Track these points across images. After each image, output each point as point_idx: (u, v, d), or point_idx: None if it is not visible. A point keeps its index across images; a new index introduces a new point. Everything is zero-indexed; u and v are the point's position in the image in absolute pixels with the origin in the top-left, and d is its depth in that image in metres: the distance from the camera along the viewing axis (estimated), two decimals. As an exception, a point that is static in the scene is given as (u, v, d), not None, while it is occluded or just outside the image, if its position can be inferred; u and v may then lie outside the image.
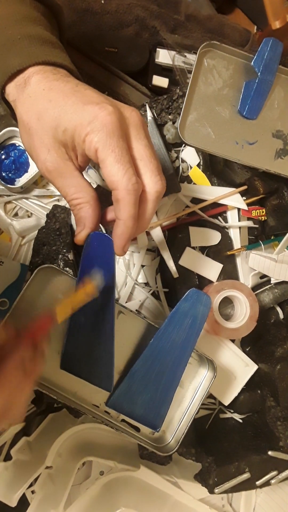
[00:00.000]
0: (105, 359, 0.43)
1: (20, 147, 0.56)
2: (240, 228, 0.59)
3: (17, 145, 0.56)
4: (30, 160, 0.57)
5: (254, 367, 0.56)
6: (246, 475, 0.52)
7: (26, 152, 0.56)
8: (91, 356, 0.43)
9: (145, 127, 0.36)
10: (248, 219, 0.60)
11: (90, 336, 0.43)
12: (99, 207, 0.38)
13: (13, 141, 0.56)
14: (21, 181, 0.56)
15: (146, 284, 0.57)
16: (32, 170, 0.56)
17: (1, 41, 0.37)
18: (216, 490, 0.51)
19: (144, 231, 0.38)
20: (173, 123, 0.58)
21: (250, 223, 0.59)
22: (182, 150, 0.60)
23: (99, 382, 0.45)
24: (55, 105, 0.34)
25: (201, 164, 0.60)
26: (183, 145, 0.60)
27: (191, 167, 0.60)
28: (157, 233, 0.56)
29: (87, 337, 0.43)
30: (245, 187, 0.58)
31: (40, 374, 0.36)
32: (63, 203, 0.57)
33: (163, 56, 0.65)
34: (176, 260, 0.55)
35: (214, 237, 0.57)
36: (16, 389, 0.33)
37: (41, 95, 0.35)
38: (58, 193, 0.58)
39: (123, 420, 0.47)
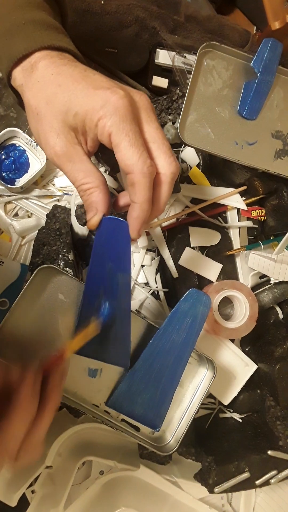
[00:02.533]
0: (121, 338, 0.43)
1: (20, 148, 0.56)
2: (239, 228, 0.59)
3: (17, 145, 0.56)
4: (30, 161, 0.57)
5: (254, 366, 0.56)
6: (245, 475, 0.52)
7: (27, 152, 0.57)
8: (106, 337, 0.43)
9: (154, 110, 0.37)
10: (248, 219, 0.60)
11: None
12: (109, 192, 0.38)
13: (13, 142, 0.56)
14: (21, 181, 0.56)
15: (146, 284, 0.57)
16: (32, 170, 0.56)
17: (5, 26, 0.37)
18: (215, 490, 0.51)
19: (159, 214, 0.39)
20: (173, 123, 0.58)
21: (249, 223, 0.59)
22: (182, 150, 0.60)
23: (115, 360, 0.44)
24: (64, 90, 0.34)
25: (201, 164, 0.60)
26: (183, 145, 0.60)
27: (191, 168, 0.60)
28: (157, 233, 0.56)
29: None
30: (244, 187, 0.58)
31: (57, 407, 0.36)
32: (63, 203, 0.57)
33: (163, 57, 0.65)
34: (176, 260, 0.55)
35: (214, 237, 0.57)
36: (32, 424, 0.33)
37: (50, 80, 0.35)
38: (58, 193, 0.58)
39: (123, 420, 0.47)
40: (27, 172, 0.56)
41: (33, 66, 0.36)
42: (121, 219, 0.38)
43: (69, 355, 0.39)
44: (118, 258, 0.40)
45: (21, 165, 0.56)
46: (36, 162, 0.56)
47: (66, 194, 0.58)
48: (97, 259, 0.40)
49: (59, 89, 0.34)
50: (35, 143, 0.55)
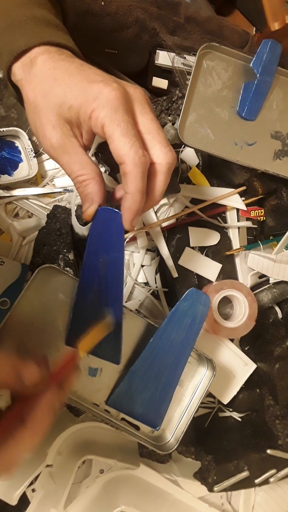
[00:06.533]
0: (113, 332, 0.43)
1: (18, 149, 0.56)
2: (239, 228, 0.59)
3: (16, 145, 0.56)
4: (20, 166, 0.56)
5: (253, 366, 0.56)
6: (245, 474, 0.52)
7: (22, 157, 0.56)
8: None
9: (149, 102, 0.37)
10: (247, 219, 0.60)
11: (97, 311, 0.42)
12: (104, 183, 0.38)
13: (15, 142, 0.57)
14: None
15: (146, 284, 0.57)
16: (17, 176, 0.56)
17: (6, 22, 0.38)
18: (215, 489, 0.52)
19: (155, 205, 0.39)
20: (173, 124, 0.59)
21: (249, 223, 0.60)
22: (182, 151, 0.60)
23: (106, 355, 0.44)
24: (60, 83, 0.35)
25: (201, 164, 0.60)
26: (183, 146, 0.60)
27: (190, 168, 0.60)
28: (157, 233, 0.56)
29: (94, 313, 0.42)
30: (244, 187, 0.58)
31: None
32: (63, 203, 0.58)
33: (163, 58, 0.65)
34: (175, 260, 0.56)
35: (213, 237, 0.58)
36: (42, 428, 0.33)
37: (47, 74, 0.36)
38: (58, 190, 0.58)
39: (123, 419, 0.47)
40: (10, 175, 0.56)
41: (32, 61, 0.37)
42: (115, 209, 0.38)
43: (82, 356, 0.38)
44: (112, 249, 0.40)
45: (9, 165, 0.56)
46: (24, 170, 0.56)
47: (66, 190, 0.58)
48: (92, 250, 0.40)
49: (55, 82, 0.35)
50: (34, 153, 0.56)
